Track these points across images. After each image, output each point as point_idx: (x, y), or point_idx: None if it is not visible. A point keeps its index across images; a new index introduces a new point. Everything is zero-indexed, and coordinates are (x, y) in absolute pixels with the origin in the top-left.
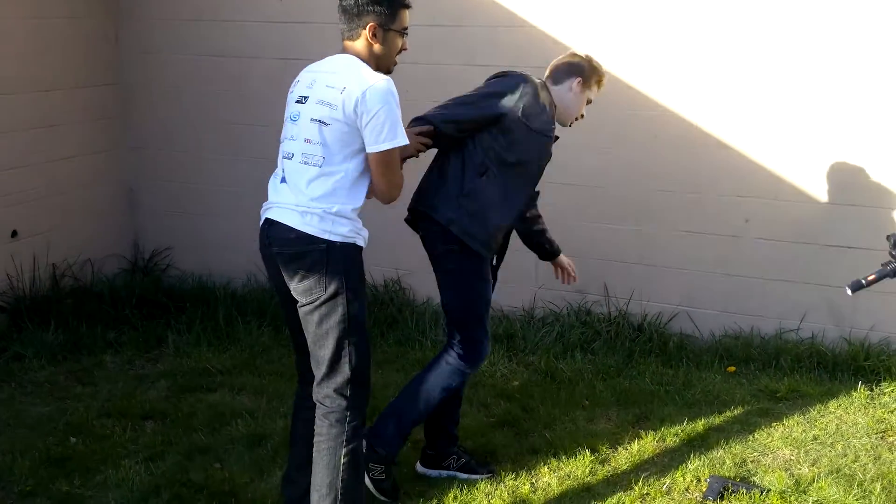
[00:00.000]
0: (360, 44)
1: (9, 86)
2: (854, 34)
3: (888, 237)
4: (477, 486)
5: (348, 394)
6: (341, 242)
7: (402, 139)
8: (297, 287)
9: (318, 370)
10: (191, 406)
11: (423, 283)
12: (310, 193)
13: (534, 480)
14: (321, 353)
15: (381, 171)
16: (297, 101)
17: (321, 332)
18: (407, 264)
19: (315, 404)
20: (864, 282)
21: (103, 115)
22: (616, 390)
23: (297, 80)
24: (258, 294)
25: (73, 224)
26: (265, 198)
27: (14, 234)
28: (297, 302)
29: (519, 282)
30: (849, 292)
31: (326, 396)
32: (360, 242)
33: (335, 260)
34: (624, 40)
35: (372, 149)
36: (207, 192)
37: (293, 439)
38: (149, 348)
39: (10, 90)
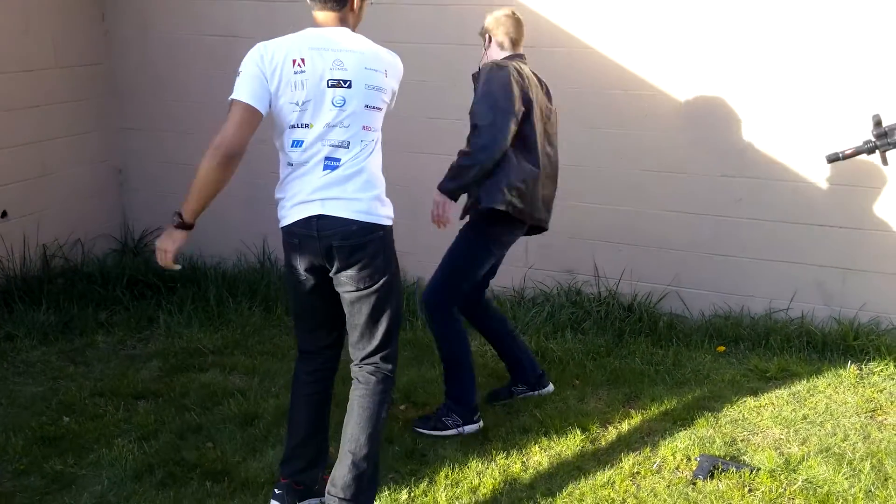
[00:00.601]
0: (347, 14)
1: None
2: (845, 16)
3: (872, 117)
4: (468, 464)
5: (394, 361)
6: (390, 226)
7: None
8: (356, 275)
9: (369, 344)
10: (183, 386)
11: (413, 264)
12: (373, 181)
13: (525, 459)
14: (376, 330)
15: None
16: (334, 85)
17: (378, 311)
18: (396, 245)
19: (322, 384)
20: (840, 155)
21: (91, 94)
22: (606, 370)
23: (297, 56)
24: (248, 274)
25: (63, 205)
26: (256, 178)
27: (4, 214)
28: (326, 284)
29: (509, 262)
30: (826, 163)
31: (373, 363)
32: None
33: (390, 243)
34: (615, 20)
35: None
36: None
37: (294, 418)
38: (140, 328)
39: None
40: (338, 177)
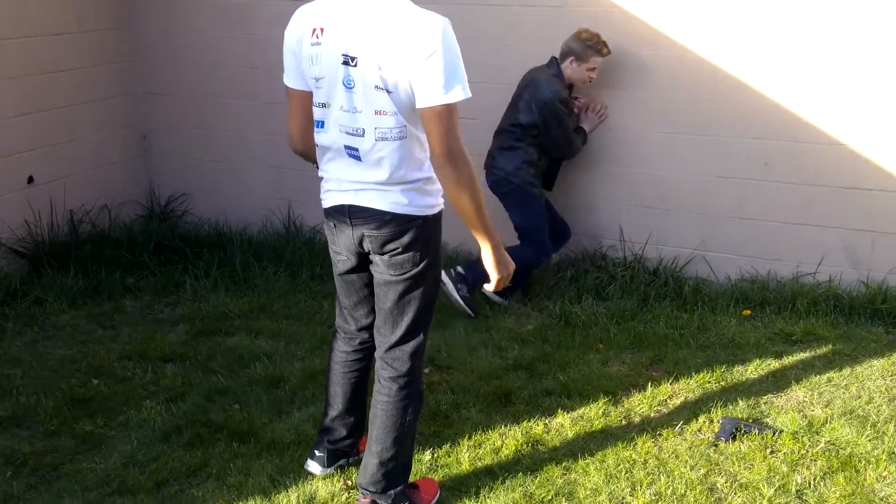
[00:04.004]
0: None
1: (17, 30)
2: None
3: None
4: (491, 426)
5: (419, 358)
6: (433, 214)
7: None
8: (389, 261)
9: (392, 334)
10: (210, 349)
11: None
12: (408, 171)
13: (547, 421)
14: (400, 319)
15: None
16: (346, 62)
17: (405, 300)
18: None
19: (361, 363)
20: None
21: (114, 59)
22: (630, 334)
23: (317, 24)
24: (274, 239)
25: (89, 170)
26: (281, 143)
27: (30, 180)
28: (365, 264)
29: None
30: None
31: (396, 360)
32: (443, 204)
33: (430, 232)
34: None
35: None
36: (222, 137)
37: (332, 392)
38: (167, 293)
39: (19, 34)
40: (370, 167)
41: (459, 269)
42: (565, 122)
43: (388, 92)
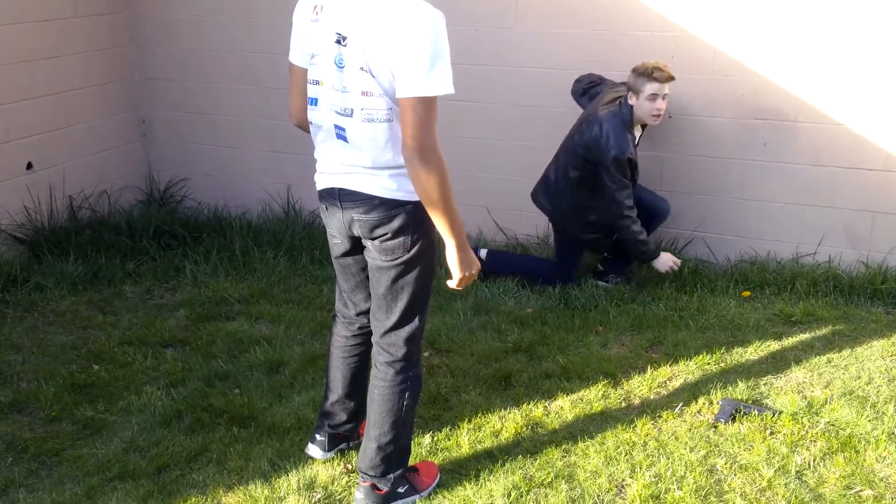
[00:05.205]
0: None
1: (14, 16)
2: None
3: None
4: (491, 409)
5: (415, 342)
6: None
7: None
8: (380, 246)
9: (387, 319)
10: (210, 334)
11: None
12: (397, 155)
13: (547, 404)
14: (394, 304)
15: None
16: (338, 41)
17: (398, 285)
18: None
19: (361, 347)
20: None
21: (111, 44)
22: (630, 316)
23: (318, 2)
24: (273, 224)
25: (88, 156)
26: (280, 127)
27: (29, 166)
28: (360, 248)
29: (535, 211)
30: None
31: (392, 345)
32: None
33: (420, 218)
34: None
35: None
36: (221, 122)
37: (332, 376)
38: (167, 278)
39: (15, 20)
40: (357, 149)
41: (481, 254)
42: (623, 184)
43: (371, 75)
